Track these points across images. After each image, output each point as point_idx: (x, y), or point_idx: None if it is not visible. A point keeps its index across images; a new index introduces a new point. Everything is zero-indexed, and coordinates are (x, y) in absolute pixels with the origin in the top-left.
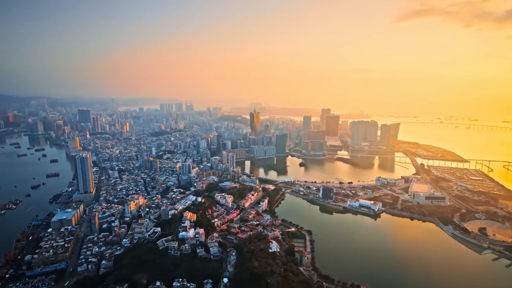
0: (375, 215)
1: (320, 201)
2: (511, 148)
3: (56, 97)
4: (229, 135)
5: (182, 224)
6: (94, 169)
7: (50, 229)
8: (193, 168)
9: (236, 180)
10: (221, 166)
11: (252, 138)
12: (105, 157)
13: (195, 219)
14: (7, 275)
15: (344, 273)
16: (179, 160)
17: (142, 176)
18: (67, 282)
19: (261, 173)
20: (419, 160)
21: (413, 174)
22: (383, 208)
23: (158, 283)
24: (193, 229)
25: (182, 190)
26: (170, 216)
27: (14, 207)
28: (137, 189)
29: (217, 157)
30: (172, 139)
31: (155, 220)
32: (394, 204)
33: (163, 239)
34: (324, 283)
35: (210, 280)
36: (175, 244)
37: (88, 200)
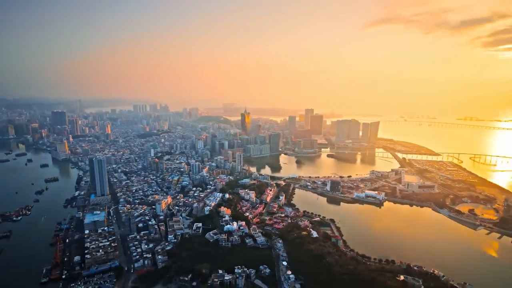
0: (380, 204)
1: (329, 194)
2: (471, 142)
3: (12, 98)
4: (220, 135)
5: (224, 218)
6: None
7: (86, 231)
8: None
9: (250, 177)
10: (229, 165)
11: (246, 138)
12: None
13: (230, 213)
14: (63, 276)
15: (373, 251)
16: (182, 161)
17: (151, 177)
18: (131, 278)
19: (267, 170)
20: (399, 155)
21: (399, 167)
22: (385, 197)
23: (220, 271)
24: (235, 222)
25: (200, 189)
26: (207, 212)
27: (29, 212)
28: (153, 189)
29: (221, 157)
30: (163, 140)
31: (188, 217)
32: (393, 193)
33: (210, 232)
34: (364, 260)
35: (265, 266)
36: (225, 236)
37: (105, 202)
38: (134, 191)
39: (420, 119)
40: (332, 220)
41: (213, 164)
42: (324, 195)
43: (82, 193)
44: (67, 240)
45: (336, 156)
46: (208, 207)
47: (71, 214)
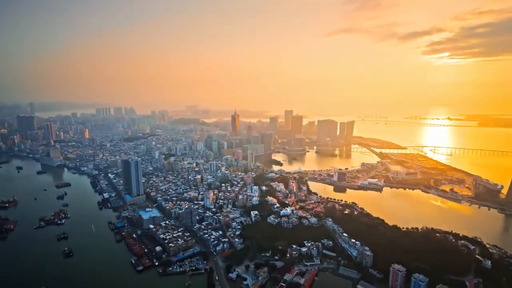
0: (380, 189)
1: (337, 183)
2: (420, 136)
3: None
4: (215, 136)
5: (275, 205)
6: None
7: (151, 226)
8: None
9: (267, 173)
10: (241, 162)
11: (241, 138)
12: (103, 164)
13: (277, 202)
14: (156, 263)
15: (398, 222)
16: (192, 162)
17: (170, 177)
18: (218, 259)
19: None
20: (374, 150)
21: (381, 159)
22: (384, 184)
23: (294, 246)
24: (287, 207)
25: (228, 185)
26: (256, 202)
27: (69, 215)
28: (182, 188)
29: (229, 156)
30: (154, 143)
31: (234, 208)
32: (388, 181)
33: (270, 217)
34: (401, 228)
35: (326, 239)
36: (286, 218)
37: (141, 201)
38: (164, 190)
39: (375, 119)
40: (354, 203)
41: (223, 163)
42: (332, 184)
43: (113, 194)
44: (133, 235)
45: (322, 153)
46: (255, 198)
47: (121, 215)
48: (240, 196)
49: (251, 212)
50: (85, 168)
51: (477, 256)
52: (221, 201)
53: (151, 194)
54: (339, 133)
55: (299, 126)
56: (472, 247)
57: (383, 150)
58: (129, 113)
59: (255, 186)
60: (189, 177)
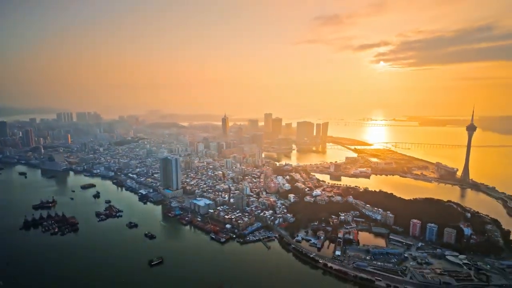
0: (368, 176)
1: (334, 172)
2: (381, 135)
3: None
4: (211, 138)
5: (306, 189)
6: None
7: (210, 210)
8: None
9: (282, 166)
10: (250, 159)
11: (233, 139)
12: (114, 167)
13: (305, 186)
14: (233, 236)
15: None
16: (202, 161)
17: (192, 174)
18: (279, 230)
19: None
20: (349, 147)
21: (358, 154)
22: (370, 172)
23: (333, 216)
24: (317, 189)
25: (251, 177)
26: (288, 187)
27: (121, 212)
28: (211, 182)
29: (235, 155)
30: (148, 146)
31: (269, 193)
32: (373, 170)
33: (306, 197)
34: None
35: (353, 211)
36: (320, 197)
37: (179, 195)
38: (194, 184)
39: (335, 120)
40: (357, 186)
41: (232, 160)
42: (330, 174)
43: (151, 190)
44: (199, 219)
45: (303, 151)
46: (287, 184)
47: (171, 205)
48: (272, 184)
49: (289, 195)
50: (98, 171)
51: (459, 210)
52: (254, 189)
53: (187, 188)
54: (315, 133)
55: (279, 128)
56: (455, 206)
57: (356, 147)
58: (93, 118)
59: (279, 176)
60: (209, 173)
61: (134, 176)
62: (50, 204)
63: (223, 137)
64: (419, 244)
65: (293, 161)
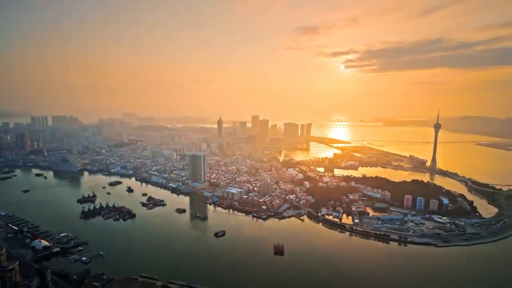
0: (356, 168)
1: (328, 165)
2: (354, 134)
3: None
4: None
5: (317, 177)
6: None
7: (245, 196)
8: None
9: (289, 160)
10: (255, 156)
11: (226, 140)
12: (130, 166)
13: (315, 175)
14: (271, 214)
15: None
16: (212, 158)
17: (208, 170)
18: (304, 208)
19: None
20: (332, 145)
21: (341, 152)
22: (358, 164)
23: (343, 196)
24: (324, 177)
25: (261, 171)
26: (302, 177)
27: (162, 201)
28: (231, 175)
29: (240, 153)
30: (149, 147)
31: (285, 183)
32: (358, 163)
33: (319, 183)
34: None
35: (357, 192)
36: (330, 182)
37: (206, 187)
38: (216, 178)
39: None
40: (352, 175)
41: (239, 157)
42: (324, 166)
43: (180, 184)
44: (237, 203)
45: (291, 149)
46: (300, 174)
47: (205, 195)
48: (287, 175)
49: (304, 182)
50: (115, 170)
51: (436, 188)
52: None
53: (211, 181)
54: (300, 134)
55: (267, 129)
56: (433, 185)
57: (338, 145)
58: (70, 122)
59: (290, 168)
60: (222, 168)
61: (155, 173)
62: (93, 198)
63: (218, 138)
64: (412, 213)
65: (288, 158)
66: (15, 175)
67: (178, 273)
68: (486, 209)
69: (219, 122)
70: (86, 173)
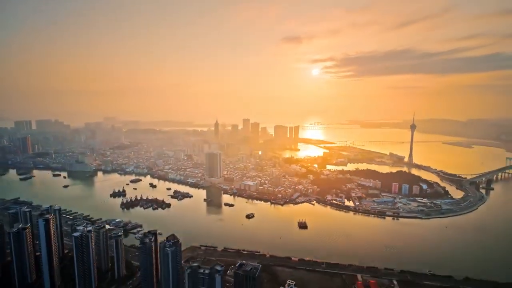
0: (345, 164)
1: (321, 162)
2: (334, 135)
3: None
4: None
5: (318, 170)
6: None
7: (261, 187)
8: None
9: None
10: (256, 155)
11: (224, 141)
12: (143, 165)
13: (316, 168)
14: (287, 200)
15: None
16: None
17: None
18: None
19: None
20: (319, 145)
21: (330, 150)
22: (347, 161)
23: (343, 185)
24: (324, 170)
25: (267, 167)
26: (305, 170)
27: (188, 193)
28: (239, 172)
29: (243, 153)
30: (151, 149)
31: (290, 176)
32: (347, 160)
33: (321, 175)
34: None
35: (353, 182)
36: (330, 175)
37: (222, 181)
38: (226, 173)
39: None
40: (343, 169)
41: (243, 156)
42: (318, 163)
43: (199, 179)
44: (253, 194)
45: (283, 149)
46: (303, 169)
47: (226, 187)
48: (292, 169)
49: (308, 175)
50: (130, 169)
51: (416, 177)
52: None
53: (225, 176)
54: (288, 135)
55: (257, 131)
56: (412, 175)
57: (325, 145)
58: (55, 126)
59: (293, 165)
60: (230, 166)
61: (170, 171)
62: (123, 193)
63: (215, 140)
64: (399, 196)
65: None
66: (33, 176)
67: (230, 243)
68: (456, 193)
69: (216, 125)
70: (100, 173)
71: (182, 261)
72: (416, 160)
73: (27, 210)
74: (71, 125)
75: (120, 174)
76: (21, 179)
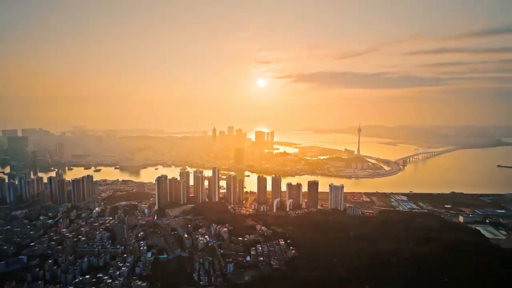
0: (317, 156)
1: (301, 156)
2: (298, 139)
3: None
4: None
5: (308, 159)
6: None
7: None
8: None
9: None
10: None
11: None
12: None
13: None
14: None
15: None
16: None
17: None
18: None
19: None
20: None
21: (302, 149)
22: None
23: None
24: (308, 159)
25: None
26: (297, 159)
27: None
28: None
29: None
30: (166, 152)
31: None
32: (317, 153)
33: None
34: None
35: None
36: (316, 160)
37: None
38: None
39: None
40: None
41: None
42: (298, 157)
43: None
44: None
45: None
46: (295, 158)
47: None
48: (289, 158)
49: (300, 161)
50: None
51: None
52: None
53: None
54: (266, 139)
55: (243, 139)
56: (362, 158)
57: (296, 145)
58: (39, 134)
59: (288, 156)
60: None
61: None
62: None
63: (213, 144)
64: (358, 169)
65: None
66: (99, 169)
67: None
68: (390, 166)
69: (214, 131)
70: (143, 169)
71: None
72: (362, 152)
73: None
74: (57, 132)
75: (166, 167)
76: None
